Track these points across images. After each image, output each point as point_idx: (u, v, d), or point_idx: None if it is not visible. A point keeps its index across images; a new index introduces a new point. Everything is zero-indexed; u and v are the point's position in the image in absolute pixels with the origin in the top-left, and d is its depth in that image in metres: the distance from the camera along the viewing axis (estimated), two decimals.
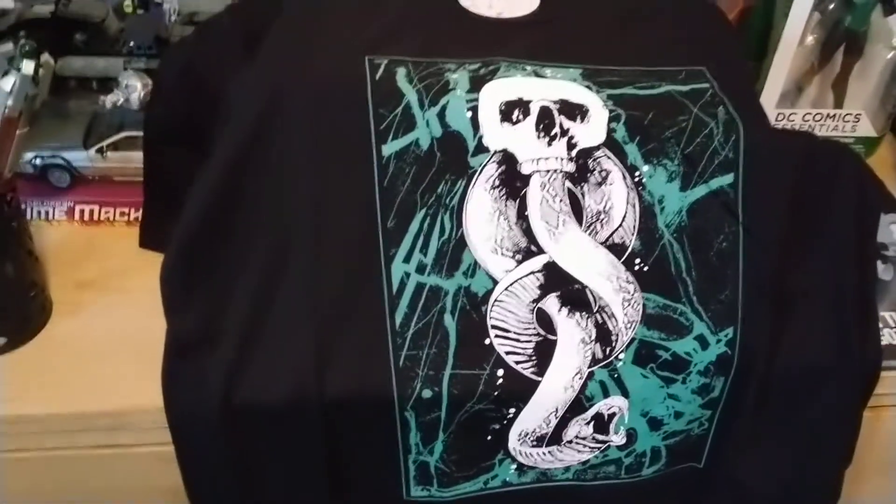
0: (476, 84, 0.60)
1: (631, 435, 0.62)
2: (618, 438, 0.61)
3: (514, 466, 0.61)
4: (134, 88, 0.73)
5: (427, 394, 0.56)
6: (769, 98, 0.85)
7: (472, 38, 0.66)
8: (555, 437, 0.60)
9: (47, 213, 0.74)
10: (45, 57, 0.60)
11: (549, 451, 0.61)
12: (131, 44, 0.78)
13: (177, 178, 0.62)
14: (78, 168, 0.73)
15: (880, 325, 0.67)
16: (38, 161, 0.72)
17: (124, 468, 0.63)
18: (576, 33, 0.68)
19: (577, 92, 0.61)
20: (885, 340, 0.67)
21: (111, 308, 0.66)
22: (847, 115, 0.88)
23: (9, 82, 0.57)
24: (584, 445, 0.61)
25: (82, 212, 0.74)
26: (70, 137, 0.72)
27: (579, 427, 0.60)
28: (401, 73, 0.60)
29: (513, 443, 0.59)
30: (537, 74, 0.62)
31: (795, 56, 0.83)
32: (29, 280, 0.63)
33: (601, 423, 0.60)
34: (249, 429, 0.57)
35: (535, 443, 0.60)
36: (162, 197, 0.70)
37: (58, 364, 0.61)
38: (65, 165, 0.72)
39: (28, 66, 0.58)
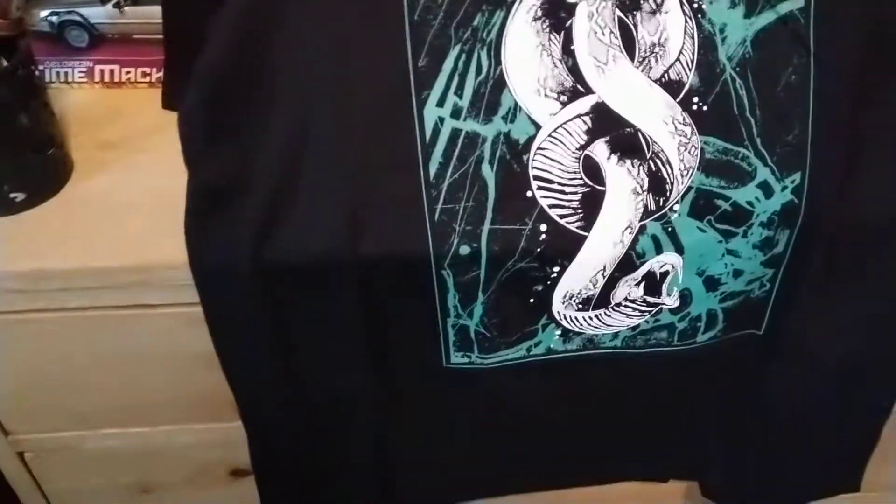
0: None
1: (685, 296, 0.57)
2: (671, 300, 0.57)
3: (558, 332, 0.57)
4: None
5: (465, 250, 0.53)
6: None
7: None
8: (602, 300, 0.56)
9: (66, 74, 0.71)
10: None
11: (596, 315, 0.57)
12: None
13: (198, 34, 0.58)
14: (96, 26, 0.69)
15: None
16: (54, 18, 0.68)
17: (149, 330, 0.61)
18: None
19: None
20: None
21: (135, 167, 0.63)
22: None
23: None
24: (634, 308, 0.57)
25: (102, 72, 0.71)
26: None
27: (629, 288, 0.56)
28: None
29: (557, 306, 0.56)
30: None
31: None
32: (47, 133, 0.60)
33: (653, 284, 0.56)
34: (281, 288, 0.54)
35: (580, 306, 0.56)
36: (183, 55, 0.66)
37: (80, 221, 0.59)
38: (82, 23, 0.69)
39: None
